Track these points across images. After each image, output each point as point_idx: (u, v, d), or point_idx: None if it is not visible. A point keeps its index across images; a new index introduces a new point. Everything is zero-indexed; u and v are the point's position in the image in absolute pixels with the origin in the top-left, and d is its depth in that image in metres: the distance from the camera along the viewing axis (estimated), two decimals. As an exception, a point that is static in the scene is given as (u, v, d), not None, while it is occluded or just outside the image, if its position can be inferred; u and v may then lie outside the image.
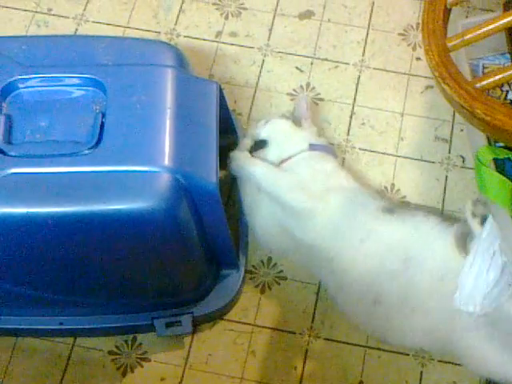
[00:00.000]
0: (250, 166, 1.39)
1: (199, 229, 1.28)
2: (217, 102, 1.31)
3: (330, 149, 1.49)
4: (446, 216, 1.38)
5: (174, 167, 1.19)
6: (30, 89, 1.28)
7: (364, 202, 1.36)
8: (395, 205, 1.39)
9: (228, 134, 1.49)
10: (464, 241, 1.27)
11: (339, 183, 1.40)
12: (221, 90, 1.35)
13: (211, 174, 1.23)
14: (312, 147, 1.45)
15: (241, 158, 1.41)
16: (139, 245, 1.23)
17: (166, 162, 1.19)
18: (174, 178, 1.18)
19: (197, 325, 1.39)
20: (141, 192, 1.18)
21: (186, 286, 1.39)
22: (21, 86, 1.27)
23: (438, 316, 1.28)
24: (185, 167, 1.20)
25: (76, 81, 1.28)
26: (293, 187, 1.37)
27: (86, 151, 1.20)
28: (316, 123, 1.53)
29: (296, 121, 1.49)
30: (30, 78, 1.28)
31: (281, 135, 1.46)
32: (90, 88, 1.27)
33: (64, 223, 1.18)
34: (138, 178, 1.18)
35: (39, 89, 1.28)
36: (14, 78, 1.27)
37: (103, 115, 1.23)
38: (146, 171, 1.18)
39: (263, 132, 1.46)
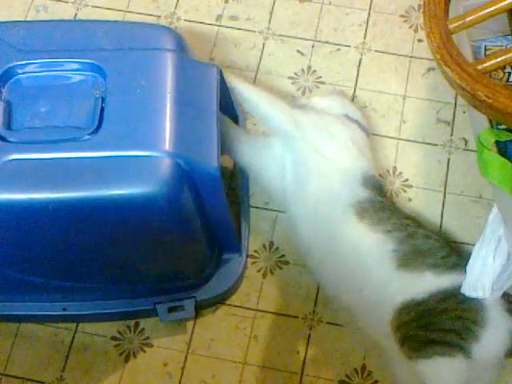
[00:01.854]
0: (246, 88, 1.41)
1: (201, 213, 1.28)
2: (217, 86, 1.30)
3: (365, 127, 1.49)
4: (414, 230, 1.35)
5: (175, 152, 1.18)
6: (29, 74, 1.27)
7: (343, 193, 1.35)
8: (376, 206, 1.35)
9: (230, 117, 1.48)
10: None
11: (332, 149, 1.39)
12: (221, 74, 1.34)
13: (212, 158, 1.22)
14: (347, 118, 1.45)
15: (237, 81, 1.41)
16: (141, 230, 1.23)
17: (167, 146, 1.18)
18: (175, 162, 1.18)
19: (199, 309, 1.39)
20: (142, 177, 1.17)
21: (188, 271, 1.39)
22: (20, 71, 1.27)
23: None
24: (186, 151, 1.20)
25: (75, 66, 1.27)
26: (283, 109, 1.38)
27: (86, 136, 1.19)
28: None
29: None
30: (29, 64, 1.27)
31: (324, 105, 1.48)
32: (89, 73, 1.26)
33: (65, 209, 1.17)
34: (139, 162, 1.17)
35: (38, 74, 1.27)
36: (12, 64, 1.26)
37: (103, 100, 1.23)
38: (146, 156, 1.17)
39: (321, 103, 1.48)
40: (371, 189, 1.36)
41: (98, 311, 1.39)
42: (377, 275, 1.29)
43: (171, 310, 1.36)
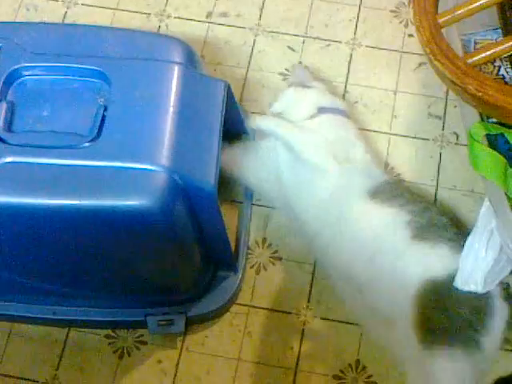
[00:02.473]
0: (275, 126, 1.41)
1: (195, 230, 1.27)
2: (223, 102, 1.29)
3: (342, 111, 1.47)
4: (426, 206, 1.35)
5: (171, 167, 1.17)
6: (35, 77, 1.26)
7: (361, 180, 1.36)
8: (388, 186, 1.37)
9: (239, 134, 1.49)
10: None
11: (358, 153, 1.40)
12: (229, 89, 1.32)
13: (210, 176, 1.21)
14: (322, 110, 1.44)
15: (265, 121, 1.43)
16: (132, 241, 1.22)
17: (164, 161, 1.17)
18: (171, 177, 1.16)
19: (189, 325, 1.38)
20: (135, 189, 1.16)
21: (180, 285, 1.38)
22: (26, 73, 1.25)
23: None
24: (182, 167, 1.18)
25: (82, 72, 1.25)
26: (317, 144, 1.37)
27: (85, 144, 1.18)
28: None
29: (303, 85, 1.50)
30: (36, 66, 1.26)
31: (290, 103, 1.46)
32: (94, 80, 1.25)
33: (57, 216, 1.17)
34: (134, 175, 1.16)
35: (44, 77, 1.26)
36: (19, 65, 1.25)
37: (105, 108, 1.21)
38: (142, 169, 1.16)
39: (277, 107, 1.47)
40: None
41: (88, 318, 1.39)
42: (390, 245, 1.29)
43: (161, 323, 1.36)
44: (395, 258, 1.28)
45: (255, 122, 1.44)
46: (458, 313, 1.23)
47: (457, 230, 1.31)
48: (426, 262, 1.27)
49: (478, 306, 1.24)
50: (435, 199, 1.49)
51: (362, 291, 1.31)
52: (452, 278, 1.24)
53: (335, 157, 1.37)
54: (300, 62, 1.63)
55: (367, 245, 1.30)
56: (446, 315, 1.23)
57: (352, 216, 1.33)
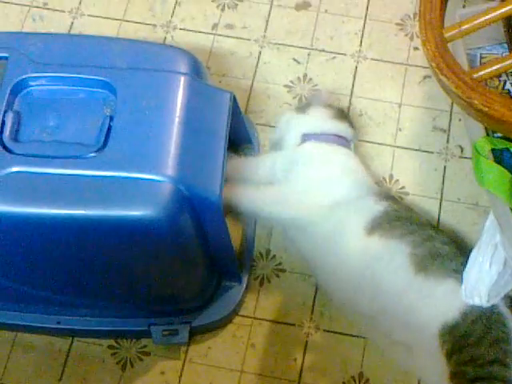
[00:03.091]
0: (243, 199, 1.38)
1: (201, 240, 1.27)
2: (229, 112, 1.29)
3: (331, 136, 1.44)
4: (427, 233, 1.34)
5: (177, 177, 1.17)
6: (41, 87, 1.26)
7: (352, 217, 1.34)
8: (391, 216, 1.34)
9: (244, 144, 1.49)
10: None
11: (341, 193, 1.37)
12: (235, 99, 1.32)
13: (215, 186, 1.20)
14: (305, 138, 1.42)
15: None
16: (137, 252, 1.22)
17: (169, 171, 1.17)
18: (177, 188, 1.16)
19: (193, 335, 1.38)
20: (141, 200, 1.16)
21: (185, 295, 1.38)
22: (33, 83, 1.26)
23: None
24: (188, 178, 1.18)
25: (88, 82, 1.25)
26: (296, 201, 1.36)
27: (91, 154, 1.18)
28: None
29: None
30: (42, 77, 1.26)
31: (283, 131, 1.46)
32: (101, 90, 1.25)
33: (62, 226, 1.17)
34: (140, 185, 1.16)
35: (51, 88, 1.26)
36: (26, 76, 1.25)
37: (111, 119, 1.22)
38: (148, 179, 1.16)
39: (277, 132, 1.48)
40: (385, 200, 1.36)
41: (92, 328, 1.38)
42: (392, 282, 1.28)
43: (165, 333, 1.36)
44: (399, 297, 1.27)
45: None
46: (482, 355, 1.21)
47: (463, 259, 1.28)
48: (433, 303, 1.26)
49: (499, 336, 1.22)
50: (439, 212, 1.49)
51: (372, 318, 1.31)
52: (464, 315, 1.23)
53: (321, 198, 1.35)
54: (305, 74, 1.63)
55: (368, 283, 1.29)
56: (473, 366, 1.21)
57: (349, 254, 1.31)
